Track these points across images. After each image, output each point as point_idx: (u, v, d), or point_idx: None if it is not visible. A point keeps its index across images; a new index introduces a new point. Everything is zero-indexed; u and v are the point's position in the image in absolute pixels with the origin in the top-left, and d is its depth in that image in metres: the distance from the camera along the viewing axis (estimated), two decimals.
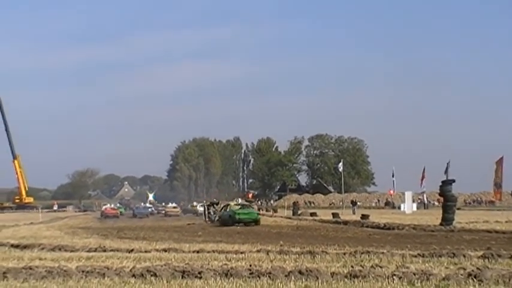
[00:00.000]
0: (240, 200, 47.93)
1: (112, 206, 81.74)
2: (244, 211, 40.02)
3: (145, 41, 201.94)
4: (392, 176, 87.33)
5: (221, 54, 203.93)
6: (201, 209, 61.27)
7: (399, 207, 70.91)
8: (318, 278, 10.99)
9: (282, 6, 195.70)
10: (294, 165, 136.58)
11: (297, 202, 78.27)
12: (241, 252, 16.93)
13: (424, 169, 68.79)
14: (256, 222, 38.85)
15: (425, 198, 78.65)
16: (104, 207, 78.81)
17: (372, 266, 12.48)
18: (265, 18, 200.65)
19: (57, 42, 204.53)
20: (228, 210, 41.20)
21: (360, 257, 15.35)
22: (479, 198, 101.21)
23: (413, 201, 66.62)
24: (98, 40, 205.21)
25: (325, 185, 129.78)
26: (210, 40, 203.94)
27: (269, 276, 11.24)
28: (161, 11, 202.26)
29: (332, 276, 11.20)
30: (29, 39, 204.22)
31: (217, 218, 43.32)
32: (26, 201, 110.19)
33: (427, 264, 13.36)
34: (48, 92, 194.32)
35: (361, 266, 12.75)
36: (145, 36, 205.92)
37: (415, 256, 15.19)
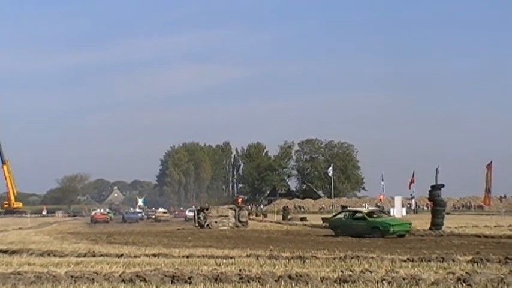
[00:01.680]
0: (367, 206, 36.68)
1: (101, 211, 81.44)
2: (398, 222, 32.06)
3: (136, 45, 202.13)
4: (382, 180, 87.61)
5: (210, 59, 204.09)
6: (191, 214, 61.30)
7: (389, 212, 71.07)
8: (307, 283, 11.00)
9: (275, 10, 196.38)
10: (284, 170, 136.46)
11: (287, 207, 78.18)
12: (231, 257, 16.93)
13: (413, 173, 69.15)
14: (406, 233, 30.57)
15: (413, 203, 78.90)
16: (93, 212, 78.52)
17: (361, 271, 12.51)
18: (257, 23, 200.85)
19: (48, 45, 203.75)
20: (362, 217, 31.64)
21: (350, 261, 15.39)
22: (468, 203, 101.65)
23: (403, 206, 66.80)
24: (90, 43, 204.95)
25: (315, 189, 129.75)
26: (200, 44, 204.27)
27: (259, 281, 11.24)
28: (153, 15, 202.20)
29: (322, 281, 11.22)
30: (20, 41, 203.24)
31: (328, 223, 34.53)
32: (15, 206, 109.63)
33: (416, 269, 13.40)
34: (38, 96, 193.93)
35: (350, 270, 12.77)
36: (137, 40, 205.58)
37: (405, 261, 15.24)
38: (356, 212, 33.95)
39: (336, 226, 32.66)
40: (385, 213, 34.83)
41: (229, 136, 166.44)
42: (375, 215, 32.09)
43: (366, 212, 32.87)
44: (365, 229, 30.34)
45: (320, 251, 18.94)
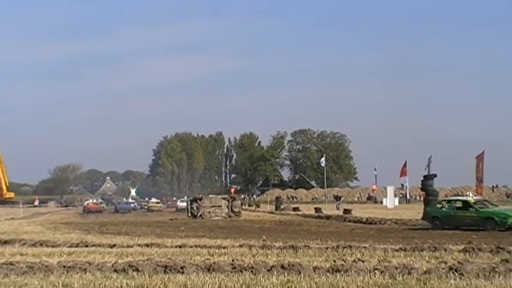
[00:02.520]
0: (471, 195, 30.16)
1: (94, 200, 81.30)
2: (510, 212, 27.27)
3: (128, 35, 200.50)
4: (375, 170, 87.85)
5: (204, 49, 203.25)
6: (182, 204, 61.43)
7: (381, 202, 71.41)
8: (300, 273, 11.00)
9: (268, 1, 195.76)
10: (277, 160, 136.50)
11: (280, 197, 78.42)
12: (224, 247, 16.95)
13: (405, 163, 69.27)
14: None
15: (407, 193, 79.13)
16: (86, 202, 78.40)
17: (354, 260, 12.54)
18: (250, 13, 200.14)
19: (38, 36, 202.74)
20: (470, 207, 27.64)
21: (342, 251, 15.43)
22: (460, 193, 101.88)
23: (396, 196, 67.05)
24: (80, 34, 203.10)
25: (307, 179, 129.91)
26: (193, 34, 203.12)
27: (251, 271, 11.23)
28: (144, 5, 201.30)
29: (314, 271, 11.23)
30: (10, 32, 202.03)
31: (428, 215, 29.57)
32: (7, 196, 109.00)
33: (408, 258, 13.44)
34: (30, 85, 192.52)
35: (343, 260, 12.80)
36: (128, 31, 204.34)
37: (397, 250, 15.29)
38: (459, 201, 29.78)
39: (435, 217, 28.69)
40: (489, 203, 30.55)
41: (222, 126, 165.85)
42: (480, 205, 28.36)
43: (472, 201, 28.62)
44: (475, 221, 26.77)
45: (313, 241, 18.99)
